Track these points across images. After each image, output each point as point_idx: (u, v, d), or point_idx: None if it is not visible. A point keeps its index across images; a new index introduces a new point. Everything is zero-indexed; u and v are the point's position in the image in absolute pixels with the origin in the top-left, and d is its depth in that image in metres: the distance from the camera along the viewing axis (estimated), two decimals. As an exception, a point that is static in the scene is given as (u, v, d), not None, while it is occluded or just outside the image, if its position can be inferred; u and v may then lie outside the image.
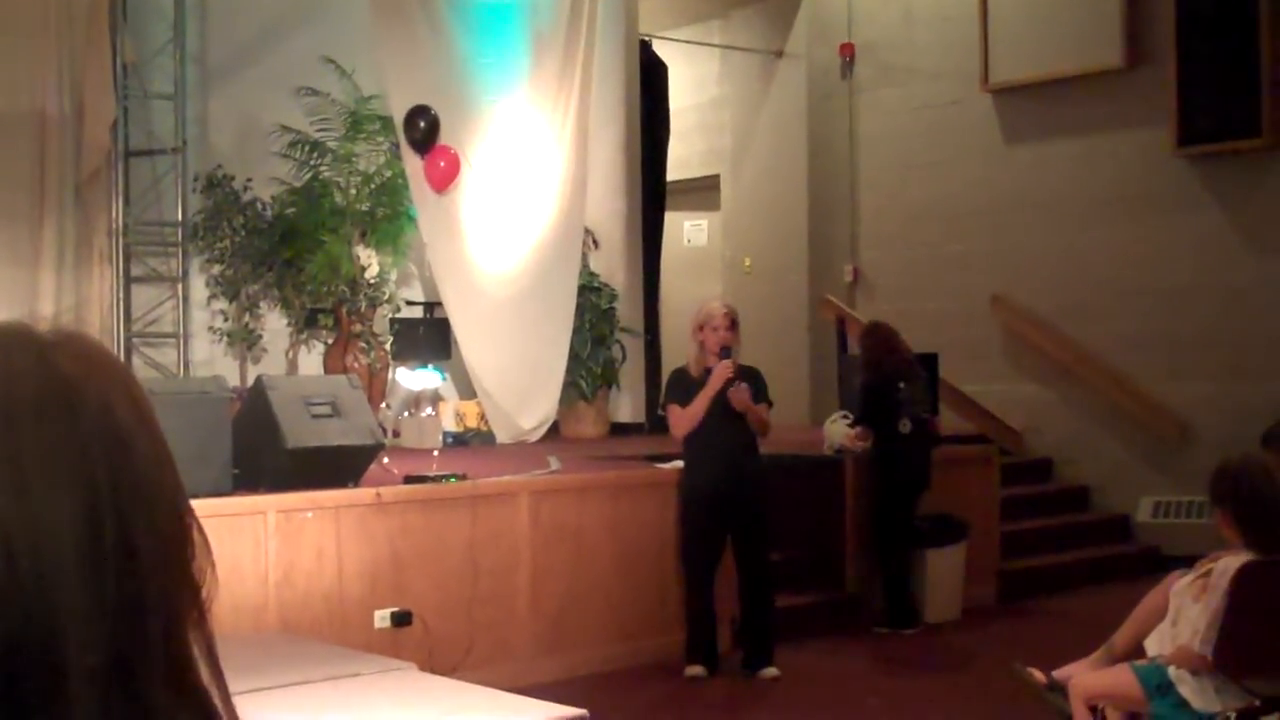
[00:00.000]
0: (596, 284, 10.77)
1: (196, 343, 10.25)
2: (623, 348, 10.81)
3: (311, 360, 10.24)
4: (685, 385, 7.01)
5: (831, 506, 8.34)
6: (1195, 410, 10.22)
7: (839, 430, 8.50)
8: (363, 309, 10.10)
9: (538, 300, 10.08)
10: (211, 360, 10.12)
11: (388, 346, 10.18)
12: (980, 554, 8.78)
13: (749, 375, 7.00)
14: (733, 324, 6.98)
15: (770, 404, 7.11)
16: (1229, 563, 4.31)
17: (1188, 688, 4.27)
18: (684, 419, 6.97)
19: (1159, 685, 4.32)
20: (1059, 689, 4.67)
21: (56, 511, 0.89)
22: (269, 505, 6.01)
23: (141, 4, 10.15)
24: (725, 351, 6.90)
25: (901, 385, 8.08)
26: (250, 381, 8.08)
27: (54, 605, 0.88)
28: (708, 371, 6.92)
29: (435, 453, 7.45)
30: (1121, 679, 4.43)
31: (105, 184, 9.99)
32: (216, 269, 10.14)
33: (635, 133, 11.20)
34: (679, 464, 7.41)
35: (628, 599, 7.21)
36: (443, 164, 9.75)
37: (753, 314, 9.29)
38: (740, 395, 6.81)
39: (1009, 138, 11.44)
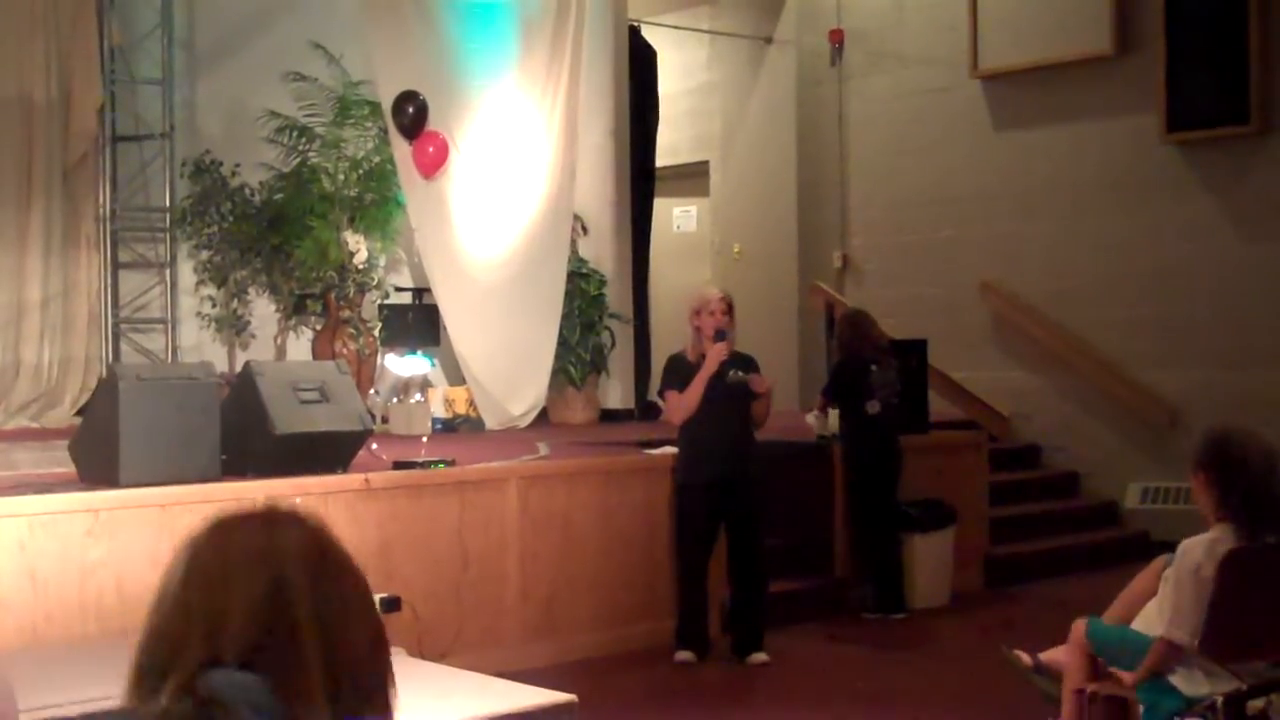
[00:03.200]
0: (585, 270, 10.75)
1: (184, 328, 10.23)
2: (612, 334, 10.80)
3: (300, 346, 10.23)
4: (683, 371, 7.01)
5: (820, 492, 8.35)
6: (1184, 396, 10.24)
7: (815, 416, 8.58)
8: (351, 295, 10.08)
9: (527, 286, 10.06)
10: (199, 346, 10.11)
11: (376, 332, 10.16)
12: (969, 539, 8.79)
13: (744, 362, 7.02)
14: (729, 310, 6.99)
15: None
16: (1188, 545, 4.32)
17: (1176, 675, 4.28)
18: (680, 405, 6.98)
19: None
20: (1046, 672, 4.69)
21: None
22: (257, 491, 5.98)
23: (129, -12, 10.12)
24: (720, 334, 6.92)
25: (873, 369, 8.12)
26: (238, 367, 8.07)
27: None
28: (704, 357, 6.93)
29: (424, 439, 7.43)
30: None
31: (92, 169, 9.97)
32: (204, 255, 10.11)
33: (624, 118, 11.18)
34: (668, 449, 7.41)
35: (617, 584, 7.21)
36: (431, 150, 9.72)
37: (742, 300, 9.22)
38: (761, 382, 6.90)
39: (998, 124, 11.44)
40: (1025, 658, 4.79)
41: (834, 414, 8.45)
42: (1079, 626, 4.50)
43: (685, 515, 7.12)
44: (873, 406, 8.07)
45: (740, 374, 6.93)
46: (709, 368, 6.86)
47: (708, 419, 6.94)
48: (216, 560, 1.59)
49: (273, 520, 1.63)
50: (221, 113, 10.41)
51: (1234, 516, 4.30)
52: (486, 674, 4.80)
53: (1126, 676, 4.35)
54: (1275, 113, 9.95)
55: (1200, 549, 4.28)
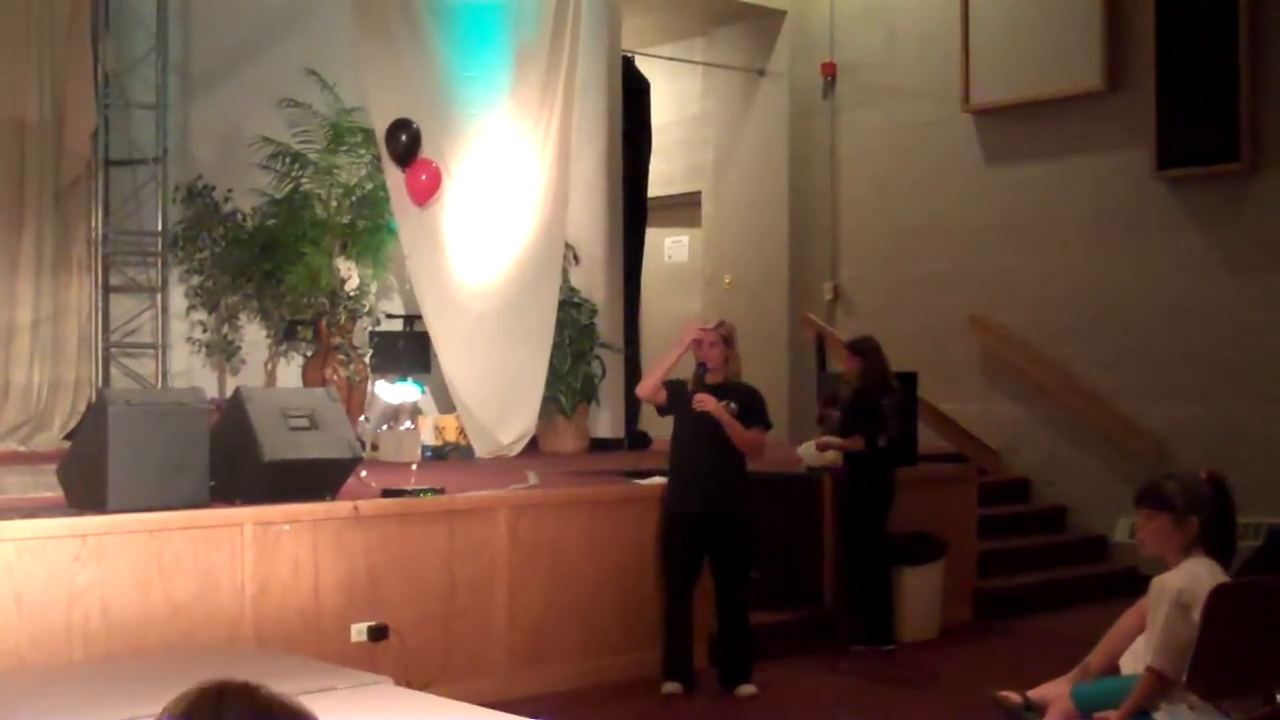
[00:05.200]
0: (577, 299, 10.76)
1: (175, 353, 10.22)
2: (602, 363, 10.80)
3: (290, 372, 10.21)
4: (672, 388, 7.07)
5: (809, 524, 8.35)
6: (1173, 430, 10.26)
7: (812, 449, 8.51)
8: (342, 321, 10.07)
9: (518, 315, 10.06)
10: (190, 371, 10.09)
11: (367, 359, 10.15)
12: (957, 573, 8.80)
13: (742, 393, 7.02)
14: (720, 341, 7.01)
15: (768, 426, 7.13)
16: (1164, 580, 4.34)
17: (1161, 711, 4.28)
18: (643, 381, 7.39)
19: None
20: (1035, 709, 4.68)
21: None
22: (246, 517, 5.99)
23: (123, 13, 10.13)
24: (702, 368, 7.05)
25: (885, 401, 8.12)
26: (228, 393, 8.06)
27: None
28: (700, 384, 6.97)
29: (413, 466, 7.43)
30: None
31: (85, 193, 9.97)
32: (196, 280, 10.11)
33: (617, 148, 11.21)
34: (657, 480, 7.42)
35: (605, 615, 7.20)
36: (424, 177, 9.74)
37: (733, 331, 9.28)
38: (703, 401, 6.86)
39: (989, 158, 11.49)
40: (1014, 697, 4.78)
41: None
42: (1065, 701, 4.50)
43: (668, 545, 7.14)
44: (884, 439, 8.06)
45: (712, 400, 6.94)
46: (669, 359, 7.09)
47: (691, 449, 6.98)
48: None
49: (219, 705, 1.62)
50: (215, 138, 10.41)
51: (1212, 550, 4.36)
52: (473, 704, 4.79)
53: (1112, 715, 4.35)
54: (1265, 150, 10.01)
55: (1181, 581, 4.29)
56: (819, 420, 8.68)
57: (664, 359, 7.16)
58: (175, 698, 1.59)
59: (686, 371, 7.23)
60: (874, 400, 8.11)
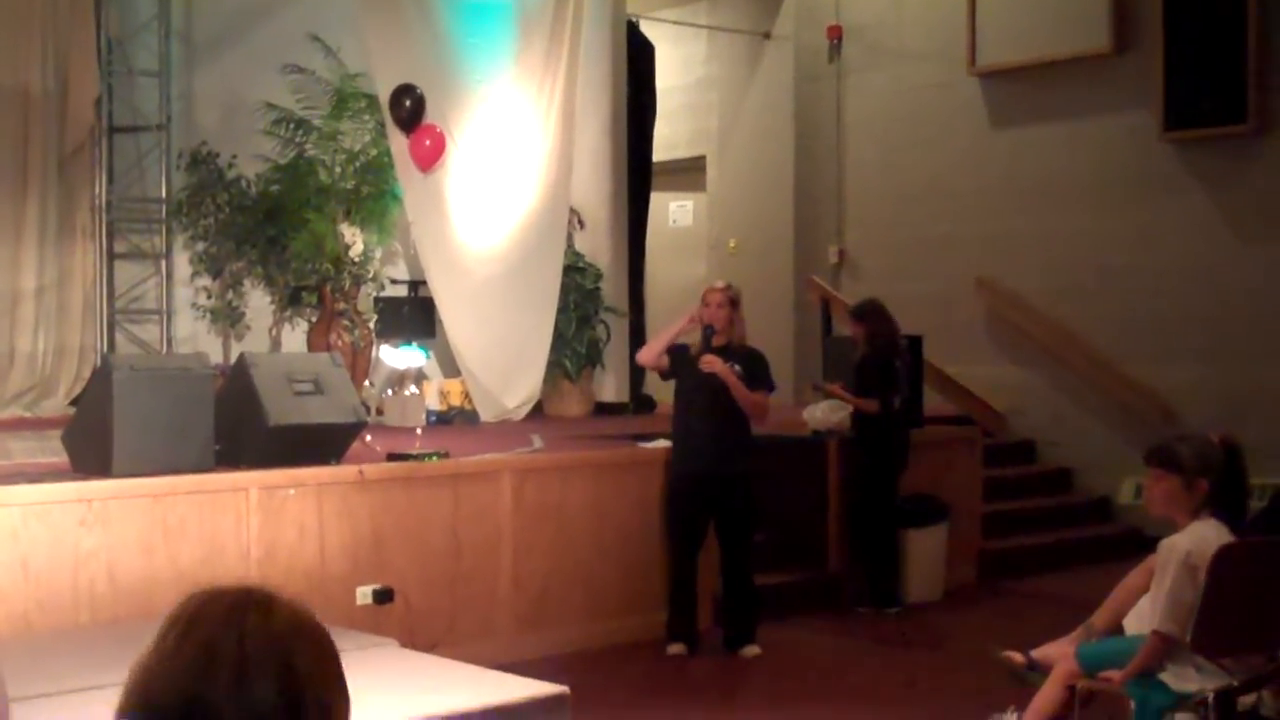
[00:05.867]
0: (582, 264, 10.75)
1: (179, 320, 10.23)
2: (607, 327, 10.80)
3: (295, 338, 10.22)
4: (675, 353, 7.07)
5: (814, 486, 8.36)
6: (1178, 393, 10.24)
7: (818, 413, 8.51)
8: (347, 287, 10.07)
9: (522, 279, 10.06)
10: (194, 337, 10.11)
11: (372, 324, 10.16)
12: (962, 535, 8.81)
13: (746, 356, 7.02)
14: (728, 303, 7.00)
15: (772, 388, 7.12)
16: (1173, 541, 4.35)
17: (1167, 672, 4.29)
18: (646, 348, 7.39)
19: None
20: (1039, 669, 4.69)
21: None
22: (251, 482, 6.00)
23: (126, -21, 10.11)
24: (708, 329, 6.95)
25: (896, 363, 8.11)
26: (233, 359, 8.07)
27: None
28: (706, 346, 6.95)
29: (418, 431, 7.44)
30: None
31: (88, 160, 9.97)
32: (200, 246, 10.11)
33: (621, 113, 11.18)
34: (662, 443, 7.44)
35: (609, 577, 7.22)
36: (428, 143, 9.72)
37: (737, 294, 9.26)
38: (710, 363, 6.85)
39: (996, 121, 11.44)
40: (1018, 657, 4.79)
41: (834, 405, 8.41)
42: (1069, 661, 4.51)
43: (673, 507, 7.15)
44: (898, 400, 8.06)
45: (719, 362, 6.92)
46: (674, 330, 7.08)
47: (694, 412, 6.98)
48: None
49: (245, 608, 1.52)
50: (218, 104, 10.40)
51: (1222, 513, 4.36)
52: (478, 666, 4.81)
53: (1116, 674, 4.36)
54: (1272, 112, 9.96)
55: (1190, 543, 4.29)
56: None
57: (668, 329, 7.17)
58: (197, 594, 1.52)
59: (690, 341, 7.22)
60: (887, 361, 8.10)
